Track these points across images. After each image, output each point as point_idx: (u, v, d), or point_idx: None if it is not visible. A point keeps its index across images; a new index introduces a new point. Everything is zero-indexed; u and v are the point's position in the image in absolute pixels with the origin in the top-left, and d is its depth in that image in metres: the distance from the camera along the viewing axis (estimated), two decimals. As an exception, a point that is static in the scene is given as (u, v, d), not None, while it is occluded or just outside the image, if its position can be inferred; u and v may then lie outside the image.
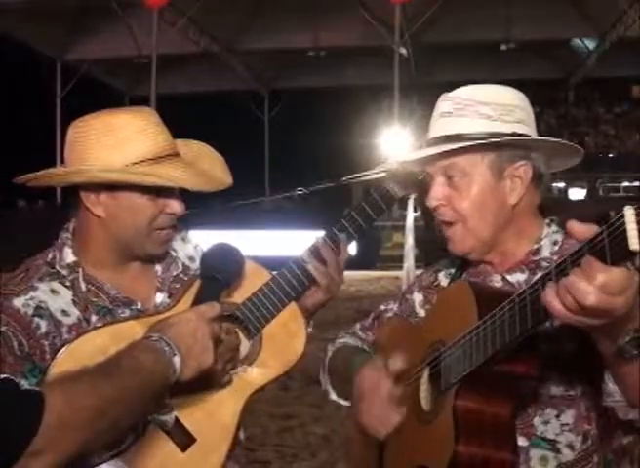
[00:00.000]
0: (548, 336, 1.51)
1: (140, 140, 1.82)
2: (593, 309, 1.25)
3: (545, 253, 1.77)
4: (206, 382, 1.80)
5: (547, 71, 26.12)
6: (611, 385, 1.49)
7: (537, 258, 1.77)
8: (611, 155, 23.97)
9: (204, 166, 1.94)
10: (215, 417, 1.89)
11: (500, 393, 1.59)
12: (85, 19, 21.54)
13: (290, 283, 1.99)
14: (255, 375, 1.96)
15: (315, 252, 2.01)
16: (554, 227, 1.81)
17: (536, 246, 1.78)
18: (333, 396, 2.09)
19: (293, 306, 2.01)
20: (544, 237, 1.79)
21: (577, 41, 25.10)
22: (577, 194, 21.95)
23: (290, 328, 2.01)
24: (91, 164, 1.80)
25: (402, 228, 14.39)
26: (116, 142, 1.80)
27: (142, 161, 1.81)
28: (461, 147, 1.72)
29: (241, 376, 1.93)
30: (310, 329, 2.15)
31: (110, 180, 1.79)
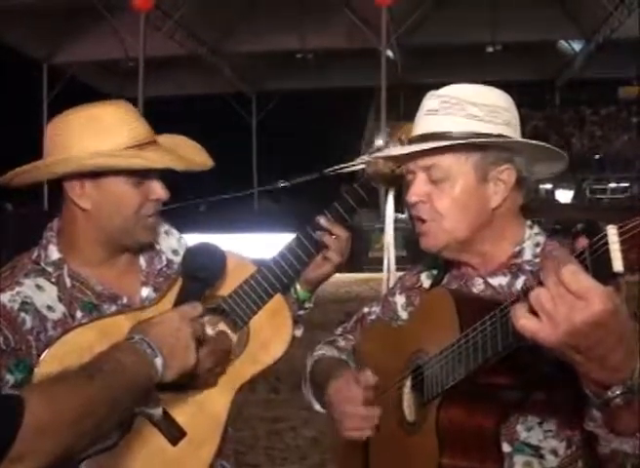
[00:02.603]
0: (531, 345, 1.51)
1: (122, 129, 1.85)
2: (551, 292, 1.20)
3: (527, 255, 1.75)
4: (195, 379, 1.80)
5: (534, 73, 26.17)
6: (594, 411, 1.39)
7: (519, 261, 1.75)
8: (597, 156, 24.03)
9: (183, 152, 1.96)
10: (205, 411, 1.89)
11: (484, 404, 1.58)
12: (72, 22, 21.44)
13: (275, 274, 2.01)
14: (243, 368, 1.96)
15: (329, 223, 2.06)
16: (536, 229, 1.80)
17: (517, 248, 1.76)
18: (317, 406, 2.09)
19: (278, 297, 2.03)
20: (526, 239, 1.77)
21: (563, 43, 25.18)
22: (563, 195, 21.99)
23: (276, 319, 2.02)
24: (76, 153, 1.82)
25: (390, 230, 14.37)
26: (98, 131, 1.83)
27: (127, 148, 1.84)
28: (447, 146, 1.70)
29: (229, 369, 1.94)
30: (300, 332, 2.15)
31: (98, 166, 1.80)
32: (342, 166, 2.23)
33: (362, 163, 2.09)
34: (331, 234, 2.06)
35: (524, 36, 22.00)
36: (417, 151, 1.74)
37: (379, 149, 2.07)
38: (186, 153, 1.97)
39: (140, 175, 1.86)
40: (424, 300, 1.86)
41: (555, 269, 1.20)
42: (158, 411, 1.82)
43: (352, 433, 1.84)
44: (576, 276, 1.17)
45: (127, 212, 1.87)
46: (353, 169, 2.18)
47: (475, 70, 22.11)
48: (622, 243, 1.12)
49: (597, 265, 1.17)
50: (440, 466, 1.55)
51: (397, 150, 1.87)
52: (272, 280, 2.01)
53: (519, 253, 1.76)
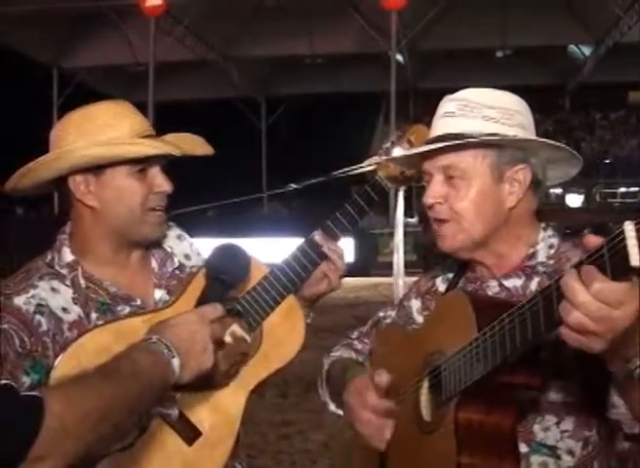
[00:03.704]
0: (548, 343, 1.51)
1: (119, 123, 1.86)
2: (588, 313, 1.24)
3: (541, 257, 1.76)
4: (210, 380, 1.80)
5: (543, 78, 26.17)
6: (616, 398, 1.48)
7: (532, 263, 1.76)
8: (607, 161, 23.97)
9: (184, 143, 1.97)
10: (219, 411, 1.90)
11: (502, 404, 1.58)
12: (82, 27, 21.59)
13: (288, 276, 2.02)
14: (257, 368, 1.97)
15: (327, 237, 2.04)
16: (550, 231, 1.81)
17: (531, 250, 1.77)
18: (332, 407, 2.09)
19: (291, 298, 2.03)
20: (540, 241, 1.78)
21: (572, 47, 25.18)
22: (574, 200, 21.96)
23: (289, 320, 2.03)
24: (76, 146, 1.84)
25: (399, 235, 14.37)
26: (96, 129, 1.84)
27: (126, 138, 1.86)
28: (463, 144, 1.72)
29: (243, 370, 1.94)
30: (309, 320, 2.15)
31: (98, 156, 1.81)
32: (351, 168, 2.23)
33: (371, 165, 2.10)
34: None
35: (534, 41, 22.02)
36: (434, 149, 1.75)
37: (386, 150, 2.08)
38: (187, 144, 1.98)
39: (142, 164, 1.87)
40: (441, 303, 1.87)
41: (584, 287, 1.24)
42: (174, 412, 1.83)
43: (367, 440, 1.86)
44: (604, 290, 1.22)
45: (132, 204, 1.88)
46: (362, 171, 2.18)
47: (485, 75, 22.15)
48: None
49: (615, 261, 1.19)
50: (458, 465, 1.55)
51: (416, 149, 1.87)
52: (285, 281, 2.02)
53: (533, 255, 1.77)
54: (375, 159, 2.08)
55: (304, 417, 6.30)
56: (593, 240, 1.25)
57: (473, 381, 1.55)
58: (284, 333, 2.01)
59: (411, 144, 2.03)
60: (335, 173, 2.30)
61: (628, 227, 1.16)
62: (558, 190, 21.37)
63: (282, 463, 5.48)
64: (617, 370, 1.39)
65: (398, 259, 2.53)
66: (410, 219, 17.68)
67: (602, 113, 26.39)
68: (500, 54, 23.31)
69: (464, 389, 1.58)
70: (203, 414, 1.88)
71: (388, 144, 2.09)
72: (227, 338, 1.82)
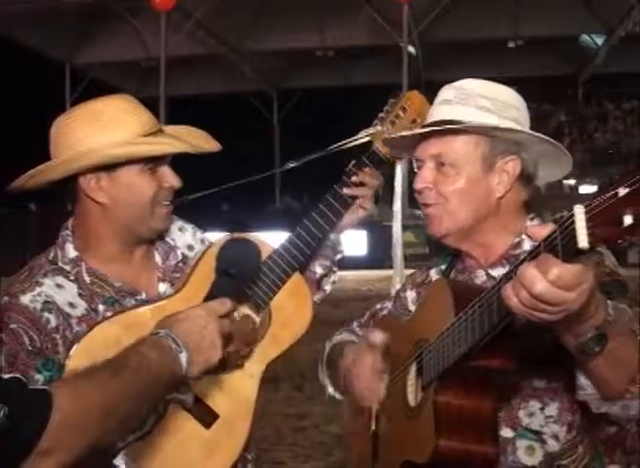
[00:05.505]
0: (526, 329, 1.53)
1: (127, 120, 1.87)
2: (545, 300, 1.27)
3: (526, 246, 1.79)
4: (222, 366, 1.81)
5: (556, 68, 26.03)
6: (582, 379, 1.52)
7: (517, 252, 1.79)
8: (620, 151, 23.83)
9: (191, 139, 1.99)
10: (234, 393, 1.93)
11: (479, 387, 1.62)
12: (93, 23, 21.62)
13: (292, 253, 2.04)
14: (267, 349, 2.00)
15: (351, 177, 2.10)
16: (536, 221, 1.84)
17: (517, 240, 1.81)
18: (330, 390, 2.12)
19: (297, 276, 2.05)
20: (525, 231, 1.80)
21: (585, 37, 25.02)
22: (587, 191, 21.85)
23: (297, 297, 2.05)
24: (91, 146, 1.84)
25: (412, 227, 14.41)
26: (105, 126, 1.85)
27: (140, 136, 1.87)
28: (457, 130, 1.74)
29: (255, 352, 1.96)
30: (317, 299, 2.17)
31: (118, 156, 1.83)
32: (347, 141, 2.24)
33: (367, 135, 2.13)
34: (362, 184, 2.09)
35: (546, 31, 21.91)
36: (427, 132, 1.79)
37: (381, 119, 2.14)
38: (194, 140, 1.99)
39: (154, 162, 1.88)
40: (427, 291, 1.93)
41: (541, 275, 1.26)
42: (189, 397, 1.85)
43: (360, 398, 1.90)
44: (562, 276, 1.25)
45: (143, 200, 1.89)
46: (358, 142, 2.19)
47: (497, 65, 22.04)
48: (589, 220, 1.17)
49: (565, 244, 1.22)
50: (436, 448, 1.58)
51: (407, 132, 1.91)
52: (290, 259, 2.03)
53: (518, 244, 1.80)
54: (369, 130, 2.11)
55: (319, 410, 6.31)
56: (537, 230, 1.30)
57: (450, 364, 1.59)
58: (291, 312, 2.03)
59: (404, 111, 2.06)
60: (331, 147, 2.30)
61: (578, 210, 1.18)
62: (572, 181, 21.28)
63: (296, 456, 5.49)
64: (571, 346, 1.43)
65: (397, 234, 2.54)
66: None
67: (615, 103, 26.21)
68: (511, 44, 23.18)
69: (442, 373, 1.62)
70: (218, 398, 1.90)
71: (383, 114, 2.12)
72: (235, 317, 1.83)
